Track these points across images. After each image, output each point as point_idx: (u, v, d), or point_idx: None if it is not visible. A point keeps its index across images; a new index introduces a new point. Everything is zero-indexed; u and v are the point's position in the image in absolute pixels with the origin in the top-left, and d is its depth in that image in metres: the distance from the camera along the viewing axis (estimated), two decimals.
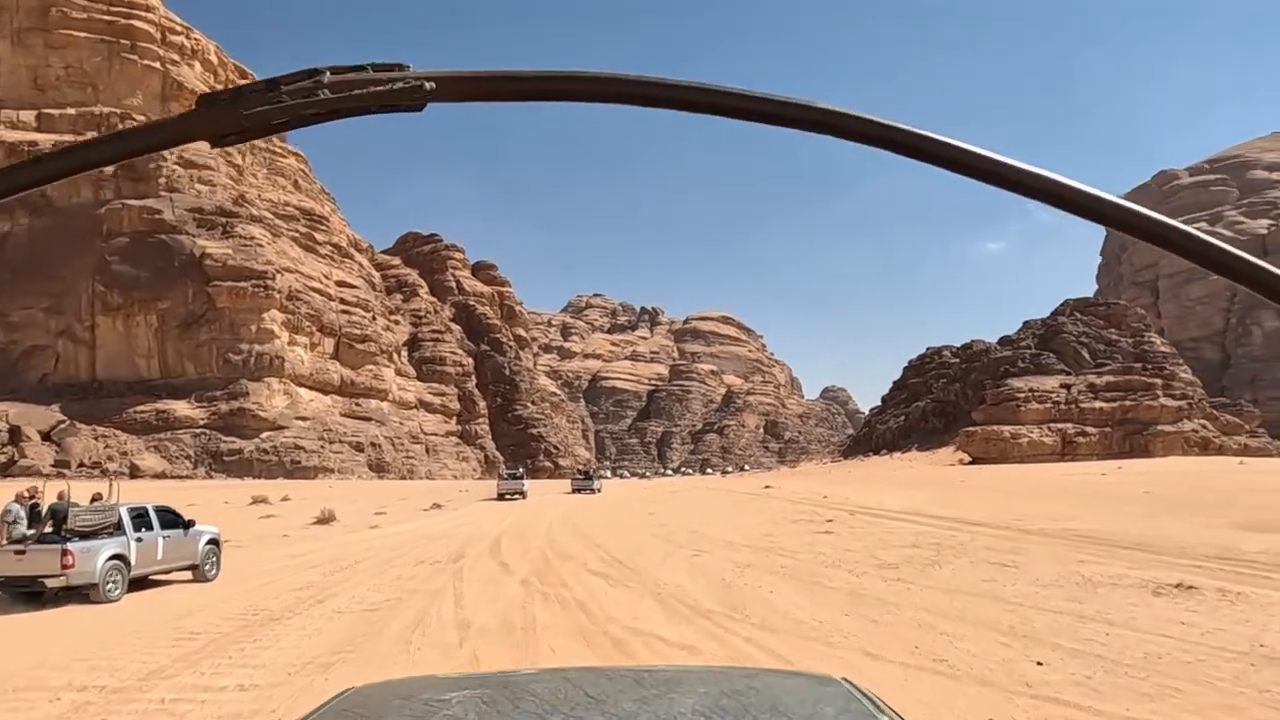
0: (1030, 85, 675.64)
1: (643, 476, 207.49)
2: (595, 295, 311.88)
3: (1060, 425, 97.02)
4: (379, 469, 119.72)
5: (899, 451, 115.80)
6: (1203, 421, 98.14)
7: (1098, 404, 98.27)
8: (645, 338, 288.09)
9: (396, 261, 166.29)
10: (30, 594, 14.48)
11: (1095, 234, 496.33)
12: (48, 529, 14.92)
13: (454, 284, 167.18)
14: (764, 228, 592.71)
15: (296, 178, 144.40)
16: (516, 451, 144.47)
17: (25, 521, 15.17)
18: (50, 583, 14.32)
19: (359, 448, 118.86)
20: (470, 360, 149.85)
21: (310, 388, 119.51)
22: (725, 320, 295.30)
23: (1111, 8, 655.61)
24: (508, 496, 53.03)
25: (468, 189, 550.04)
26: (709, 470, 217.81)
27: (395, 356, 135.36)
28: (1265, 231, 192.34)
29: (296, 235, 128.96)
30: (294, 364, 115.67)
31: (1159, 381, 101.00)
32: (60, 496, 15.68)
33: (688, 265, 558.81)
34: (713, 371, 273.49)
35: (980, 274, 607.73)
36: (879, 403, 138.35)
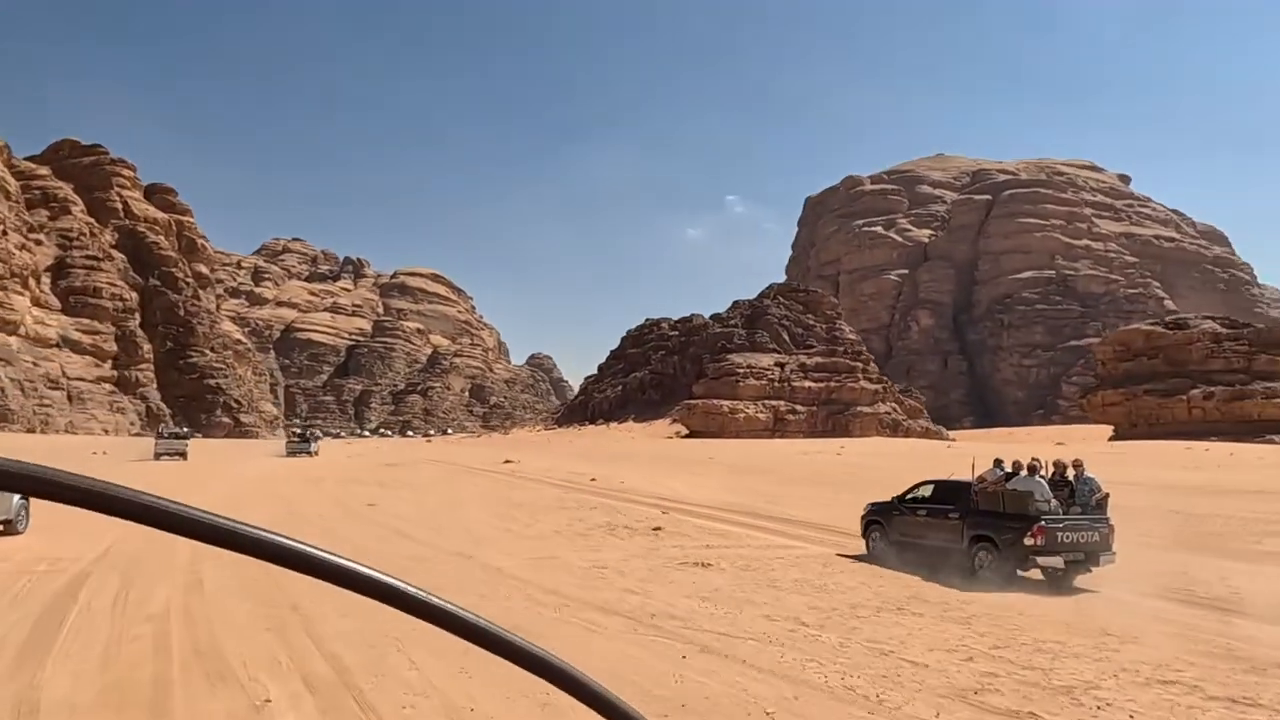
0: (727, 94, 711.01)
1: (337, 436, 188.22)
2: (294, 240, 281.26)
3: (773, 402, 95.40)
4: (0, 418, 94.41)
5: (616, 421, 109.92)
6: (894, 404, 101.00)
7: (807, 383, 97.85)
8: (348, 289, 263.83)
9: (45, 172, 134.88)
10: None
11: (786, 230, 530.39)
12: None
13: (120, 205, 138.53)
14: (473, 190, 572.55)
15: None
16: (188, 405, 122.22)
17: None
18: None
19: None
20: (135, 295, 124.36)
21: None
22: (435, 278, 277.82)
23: (804, 30, 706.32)
24: (165, 457, 47.93)
25: (148, 106, 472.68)
26: (410, 433, 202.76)
27: (32, 283, 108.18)
28: (927, 240, 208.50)
29: None
30: None
31: (859, 365, 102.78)
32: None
33: (396, 219, 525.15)
34: (419, 330, 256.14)
35: (680, 257, 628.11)
36: (595, 371, 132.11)
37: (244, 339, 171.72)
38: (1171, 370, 71.09)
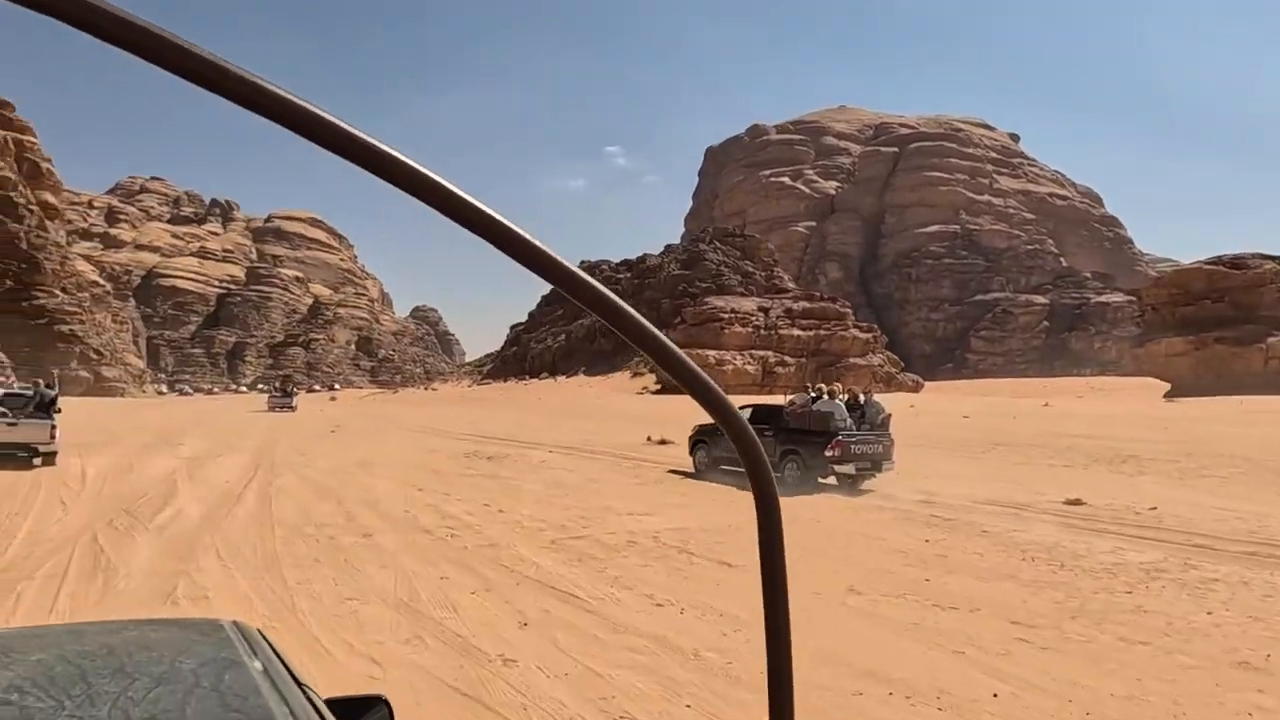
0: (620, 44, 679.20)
1: (210, 392, 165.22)
2: (153, 179, 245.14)
3: (761, 352, 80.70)
4: None
5: (563, 375, 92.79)
6: (885, 355, 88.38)
7: (795, 331, 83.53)
8: (217, 233, 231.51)
9: None
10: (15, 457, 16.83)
11: (666, 183, 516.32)
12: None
13: None
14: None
15: None
16: (35, 355, 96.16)
17: None
18: (42, 448, 17.21)
19: None
20: None
21: None
22: (314, 222, 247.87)
23: None
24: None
25: None
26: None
27: None
28: (834, 192, 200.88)
29: None
30: None
31: (847, 312, 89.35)
32: (48, 385, 19.00)
33: (266, 161, 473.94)
34: (298, 278, 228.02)
35: (565, 208, 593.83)
36: (526, 319, 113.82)
37: (101, 282, 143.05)
38: (1240, 315, 60.59)
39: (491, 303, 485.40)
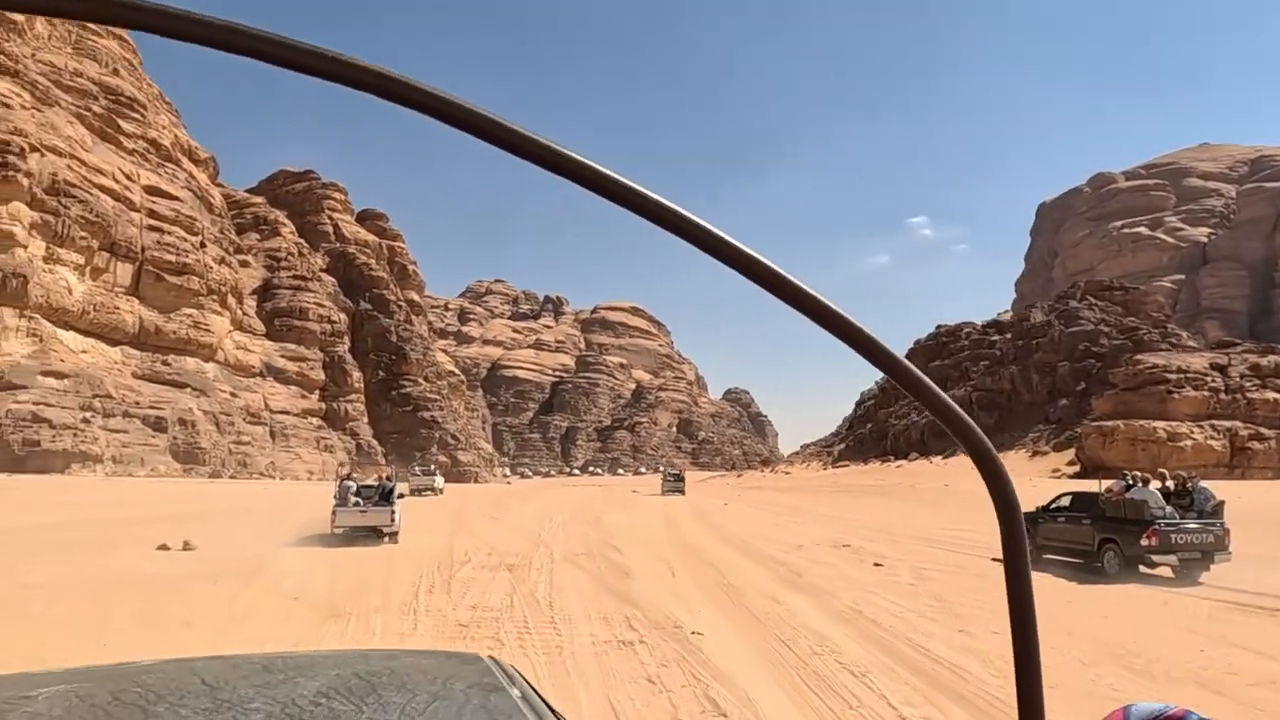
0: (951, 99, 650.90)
1: (546, 475, 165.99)
2: (496, 281, 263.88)
3: (1226, 423, 59.05)
4: (189, 459, 71.56)
5: (938, 455, 76.04)
6: None
7: (1271, 395, 60.76)
8: (550, 326, 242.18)
9: (259, 201, 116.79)
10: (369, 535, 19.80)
11: (975, 250, 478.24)
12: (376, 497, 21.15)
13: (330, 228, 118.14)
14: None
15: (117, 65, 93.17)
16: (401, 441, 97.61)
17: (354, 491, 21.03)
18: (385, 529, 20.03)
19: (159, 426, 70.38)
20: (344, 318, 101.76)
21: (83, 331, 70.25)
22: (635, 311, 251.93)
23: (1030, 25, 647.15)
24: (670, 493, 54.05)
25: (355, 159, 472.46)
26: (620, 471, 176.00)
27: (234, 302, 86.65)
28: (1205, 240, 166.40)
29: (85, 113, 78.81)
30: (51, 291, 66.36)
31: None
32: (388, 478, 22.87)
33: (591, 255, 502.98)
34: (622, 365, 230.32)
35: (868, 285, 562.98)
36: (875, 391, 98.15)
37: (456, 371, 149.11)
38: None
39: (802, 383, 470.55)
